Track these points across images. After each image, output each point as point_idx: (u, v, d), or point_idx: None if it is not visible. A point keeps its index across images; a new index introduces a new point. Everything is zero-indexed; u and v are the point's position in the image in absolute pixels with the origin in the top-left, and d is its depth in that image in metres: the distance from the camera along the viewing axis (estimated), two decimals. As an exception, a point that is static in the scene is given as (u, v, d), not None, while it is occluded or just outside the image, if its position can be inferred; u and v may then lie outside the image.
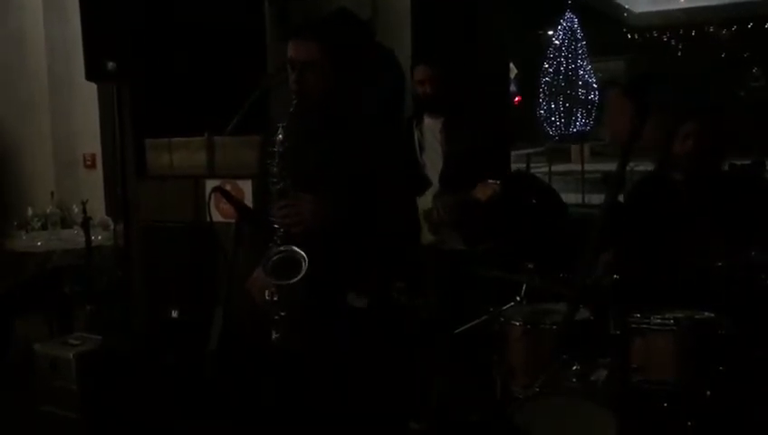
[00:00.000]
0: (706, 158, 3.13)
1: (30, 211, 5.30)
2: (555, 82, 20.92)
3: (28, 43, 5.95)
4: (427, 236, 3.71)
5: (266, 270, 2.45)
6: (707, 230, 3.03)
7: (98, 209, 5.53)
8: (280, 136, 2.50)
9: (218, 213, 3.50)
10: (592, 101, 20.90)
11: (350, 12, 4.79)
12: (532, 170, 10.90)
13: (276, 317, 2.46)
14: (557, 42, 21.05)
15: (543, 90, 21.04)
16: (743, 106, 17.90)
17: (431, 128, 3.81)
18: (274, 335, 2.46)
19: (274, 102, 4.67)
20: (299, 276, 2.38)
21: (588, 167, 12.55)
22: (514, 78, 16.64)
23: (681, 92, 3.05)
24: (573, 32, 20.87)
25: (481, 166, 3.65)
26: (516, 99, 19.30)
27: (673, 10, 20.06)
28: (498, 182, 3.56)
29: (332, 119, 2.62)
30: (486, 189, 3.57)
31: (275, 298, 2.44)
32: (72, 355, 3.95)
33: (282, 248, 2.45)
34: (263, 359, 2.69)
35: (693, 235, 3.05)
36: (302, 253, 2.40)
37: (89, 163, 6.13)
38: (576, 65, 20.84)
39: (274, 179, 2.52)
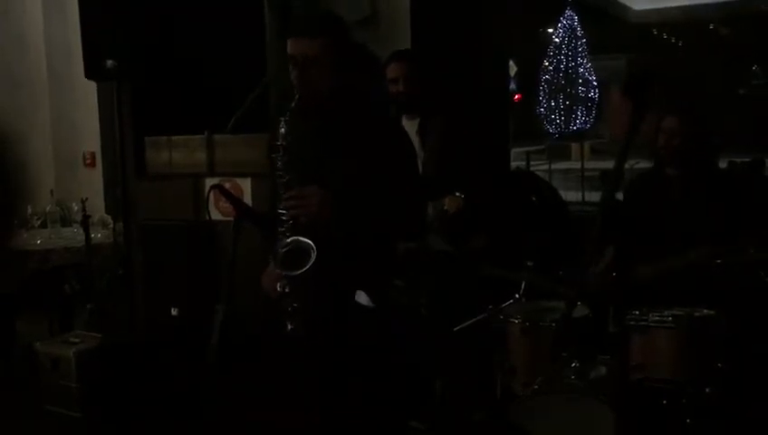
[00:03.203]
0: (691, 152, 3.13)
1: (30, 209, 5.29)
2: (555, 80, 20.93)
3: (28, 41, 5.95)
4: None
5: (276, 262, 2.46)
6: (704, 226, 3.03)
7: (97, 208, 5.53)
8: (282, 129, 2.50)
9: (218, 211, 3.51)
10: (592, 99, 20.92)
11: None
12: (533, 168, 10.94)
13: (290, 309, 2.47)
14: (557, 39, 21.05)
15: (543, 88, 21.05)
16: (743, 104, 17.89)
17: (408, 129, 3.46)
18: (289, 327, 2.47)
19: (274, 101, 4.67)
20: (307, 266, 2.38)
21: (588, 165, 12.57)
22: (514, 76, 16.61)
23: (668, 88, 3.06)
24: (573, 29, 20.87)
25: (460, 169, 3.54)
26: (516, 97, 19.29)
27: (673, 7, 20.05)
28: (463, 196, 3.50)
29: (335, 113, 2.61)
30: (453, 202, 3.52)
31: (287, 289, 2.45)
32: (72, 353, 3.96)
33: (290, 240, 2.46)
34: (268, 353, 2.69)
35: (689, 231, 3.06)
36: (311, 242, 2.41)
37: (88, 161, 6.13)
38: (576, 63, 20.85)
39: (280, 173, 2.52)
